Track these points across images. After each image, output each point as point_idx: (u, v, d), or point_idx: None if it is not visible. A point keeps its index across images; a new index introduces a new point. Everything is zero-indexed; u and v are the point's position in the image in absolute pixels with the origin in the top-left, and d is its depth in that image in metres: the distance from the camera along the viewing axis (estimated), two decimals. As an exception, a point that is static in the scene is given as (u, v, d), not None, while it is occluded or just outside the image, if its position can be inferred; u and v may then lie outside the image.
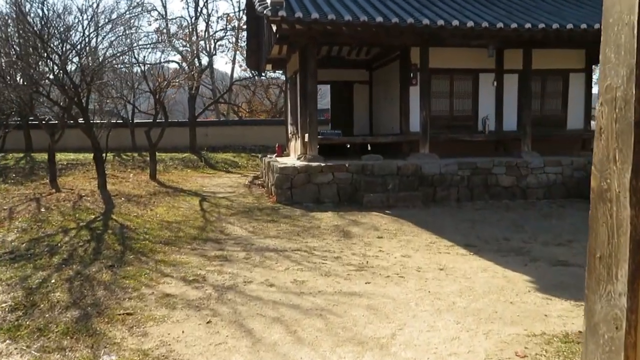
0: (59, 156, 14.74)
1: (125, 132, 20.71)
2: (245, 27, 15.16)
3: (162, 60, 18.11)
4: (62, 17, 12.29)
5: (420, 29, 10.63)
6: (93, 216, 8.71)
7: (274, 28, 10.39)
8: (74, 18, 24.84)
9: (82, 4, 16.36)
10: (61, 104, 11.49)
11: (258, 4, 10.29)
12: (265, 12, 9.77)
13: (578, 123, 14.12)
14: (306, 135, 11.87)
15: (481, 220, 8.94)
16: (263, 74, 25.27)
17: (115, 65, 12.84)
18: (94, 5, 19.50)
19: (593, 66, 14.16)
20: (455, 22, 10.49)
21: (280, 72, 17.40)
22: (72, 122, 12.07)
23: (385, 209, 9.65)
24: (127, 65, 14.93)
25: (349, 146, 14.82)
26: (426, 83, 11.84)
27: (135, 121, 22.10)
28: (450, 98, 13.47)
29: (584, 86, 14.07)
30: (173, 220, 8.87)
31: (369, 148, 15.82)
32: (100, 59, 11.36)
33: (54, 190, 10.78)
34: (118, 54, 11.95)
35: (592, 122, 15.18)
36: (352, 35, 11.06)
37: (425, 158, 11.60)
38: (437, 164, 10.97)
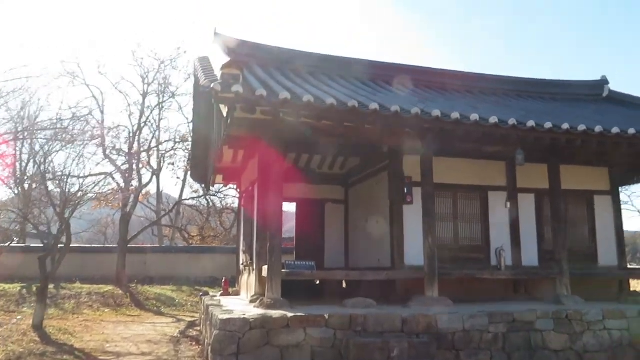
0: None
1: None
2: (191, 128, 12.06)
3: (90, 172, 14.73)
4: None
5: (427, 122, 7.75)
6: None
7: (225, 112, 7.24)
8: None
9: None
10: None
11: (204, 76, 7.24)
12: (213, 86, 6.67)
13: (611, 258, 11.14)
14: (264, 268, 8.23)
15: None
16: (212, 189, 22.01)
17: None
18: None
19: (620, 188, 11.61)
20: (475, 117, 7.70)
21: (235, 186, 14.11)
22: None
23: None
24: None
25: (317, 282, 11.13)
26: (430, 200, 8.72)
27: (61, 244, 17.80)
28: (455, 222, 10.35)
29: (612, 211, 11.35)
30: None
31: (344, 286, 12.17)
32: None
33: None
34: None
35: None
36: (334, 130, 8.05)
37: (437, 305, 8.03)
38: (457, 316, 7.38)
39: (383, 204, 10.42)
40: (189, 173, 12.75)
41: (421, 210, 8.82)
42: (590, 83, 12.63)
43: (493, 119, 7.79)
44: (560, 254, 9.14)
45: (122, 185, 18.28)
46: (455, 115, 7.63)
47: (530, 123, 7.96)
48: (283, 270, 7.89)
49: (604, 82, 12.64)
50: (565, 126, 8.13)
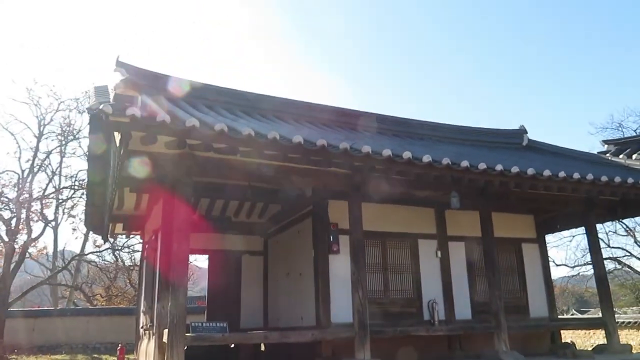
0: None
1: None
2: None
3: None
4: None
5: (357, 160, 6.94)
6: None
7: (118, 140, 5.98)
8: None
9: None
10: None
11: (95, 98, 5.98)
12: (102, 107, 5.44)
13: (541, 309, 10.73)
14: (165, 332, 6.76)
15: None
16: (118, 244, 19.83)
17: None
18: None
19: (545, 236, 11.41)
20: (408, 155, 7.01)
21: (138, 235, 12.42)
22: None
23: None
24: None
25: (233, 346, 9.67)
26: (360, 248, 7.80)
27: None
28: (385, 272, 9.48)
29: (540, 260, 11.08)
30: None
31: (263, 348, 10.78)
32: None
33: None
34: None
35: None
36: (249, 169, 7.02)
37: (370, 370, 6.94)
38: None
39: (306, 255, 9.37)
40: (84, 222, 10.97)
41: (349, 261, 7.87)
42: (510, 132, 12.73)
43: (427, 158, 7.15)
44: (497, 305, 8.48)
45: (6, 238, 15.76)
46: (387, 152, 6.90)
47: (465, 163, 7.42)
48: (187, 335, 6.48)
49: (522, 131, 12.78)
50: (499, 167, 7.69)
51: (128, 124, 5.59)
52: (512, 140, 12.50)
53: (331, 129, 9.80)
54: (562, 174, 8.15)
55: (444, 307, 9.62)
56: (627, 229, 18.65)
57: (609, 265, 20.19)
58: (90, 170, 7.63)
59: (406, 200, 9.68)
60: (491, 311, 8.61)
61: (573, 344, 10.83)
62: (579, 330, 19.15)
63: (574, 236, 23.80)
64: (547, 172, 8.04)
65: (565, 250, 58.79)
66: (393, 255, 9.61)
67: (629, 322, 19.78)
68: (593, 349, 9.68)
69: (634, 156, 11.17)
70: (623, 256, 18.22)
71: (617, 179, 8.62)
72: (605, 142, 12.28)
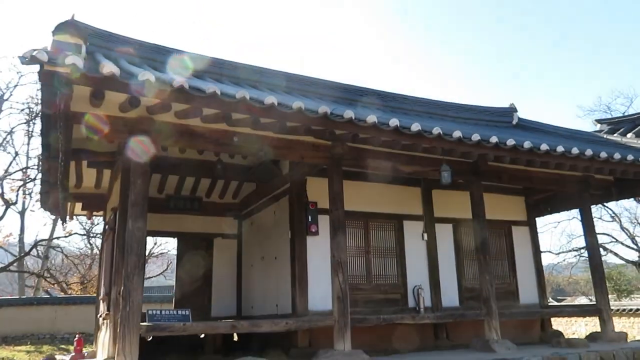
0: None
1: None
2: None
3: None
4: None
5: (339, 126, 6.15)
6: None
7: (58, 97, 5.08)
8: None
9: None
10: None
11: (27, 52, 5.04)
12: (35, 54, 4.54)
13: (532, 295, 10.16)
14: (119, 320, 5.92)
15: None
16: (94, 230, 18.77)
17: None
18: None
19: (536, 219, 10.81)
20: (395, 122, 6.25)
21: (101, 217, 11.46)
22: None
23: None
24: None
25: (203, 336, 8.88)
26: (341, 229, 7.03)
27: None
28: (367, 256, 8.76)
29: (531, 244, 10.49)
30: None
31: (235, 338, 10.03)
32: None
33: None
34: None
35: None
36: (215, 138, 6.20)
37: (350, 361, 6.22)
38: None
39: (283, 237, 8.60)
40: (40, 201, 10.03)
41: (328, 243, 7.11)
42: (500, 109, 12.06)
43: (416, 127, 6.41)
44: (488, 291, 7.84)
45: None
46: (372, 119, 6.13)
47: (457, 133, 6.70)
48: (143, 324, 5.66)
49: (512, 109, 12.14)
50: (494, 139, 6.99)
51: (67, 76, 4.71)
52: (502, 119, 11.84)
53: (310, 100, 8.99)
54: (560, 148, 7.50)
55: (431, 293, 8.97)
56: (613, 214, 18.27)
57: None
58: (43, 139, 6.72)
59: (391, 178, 8.95)
60: (481, 297, 7.97)
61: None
62: (560, 318, 18.87)
63: (559, 222, 23.54)
64: (544, 146, 7.37)
65: (550, 236, 58.95)
66: (376, 238, 8.90)
67: (617, 310, 19.61)
68: (587, 336, 9.15)
69: (628, 135, 10.63)
70: (609, 242, 17.85)
71: (617, 156, 8.02)
72: (598, 121, 11.73)
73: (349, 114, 5.98)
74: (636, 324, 20.45)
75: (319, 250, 8.00)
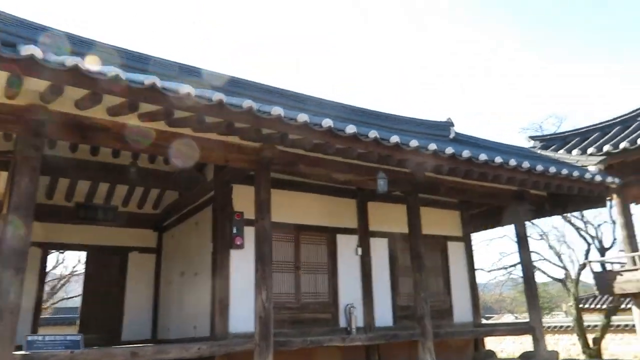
0: None
1: None
2: None
3: None
4: None
5: (266, 124, 5.47)
6: None
7: None
8: None
9: None
10: None
11: None
12: None
13: (466, 313, 9.85)
14: (-8, 350, 4.86)
15: None
16: None
17: None
18: None
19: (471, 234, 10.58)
20: (329, 123, 5.68)
21: None
22: None
23: None
24: None
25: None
26: (267, 242, 6.32)
27: None
28: (297, 272, 8.08)
29: (466, 261, 10.22)
30: None
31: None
32: None
33: None
34: None
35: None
36: (122, 133, 5.36)
37: (272, 391, 5.47)
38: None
39: (205, 250, 7.76)
40: None
41: (254, 257, 6.38)
42: (437, 123, 11.86)
43: (351, 129, 5.87)
44: (423, 309, 7.37)
45: None
46: (303, 117, 5.52)
47: (395, 138, 6.24)
48: (17, 353, 4.65)
49: (449, 123, 11.98)
50: (433, 146, 6.59)
51: None
52: (440, 132, 11.61)
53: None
54: (498, 159, 7.24)
55: (363, 312, 8.41)
56: (542, 233, 18.74)
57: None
58: None
59: (325, 188, 8.41)
60: (415, 316, 7.49)
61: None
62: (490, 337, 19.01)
63: (491, 239, 23.90)
64: (483, 156, 7.09)
65: (483, 254, 60.58)
66: (307, 252, 8.25)
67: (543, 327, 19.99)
68: (520, 356, 8.89)
69: (559, 151, 10.72)
70: (537, 260, 18.23)
71: (552, 169, 7.89)
72: (532, 138, 11.82)
73: (277, 110, 5.34)
74: (560, 341, 21.01)
75: (244, 265, 7.24)
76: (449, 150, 6.75)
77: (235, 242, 7.38)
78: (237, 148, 6.29)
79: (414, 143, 6.40)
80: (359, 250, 8.68)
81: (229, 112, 5.18)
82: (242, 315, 6.98)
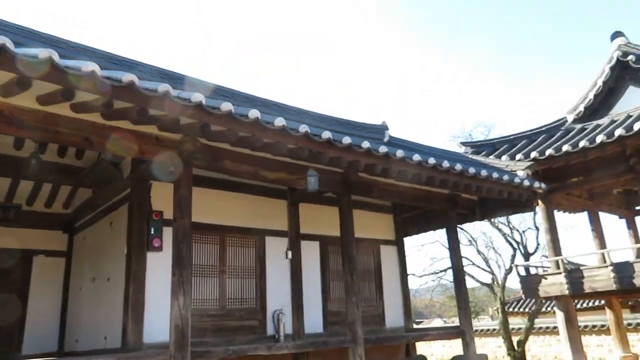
0: None
1: None
2: None
3: None
4: None
5: (187, 110, 4.94)
6: None
7: None
8: None
9: None
10: None
11: None
12: None
13: (398, 318, 9.70)
14: None
15: None
16: None
17: None
18: None
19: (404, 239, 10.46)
20: (256, 114, 5.24)
21: None
22: None
23: None
24: None
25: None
26: (185, 243, 5.76)
27: None
28: (222, 277, 7.53)
29: (398, 265, 10.08)
30: None
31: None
32: None
33: None
34: None
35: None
36: (14, 117, 4.66)
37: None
38: None
39: (119, 253, 7.04)
40: None
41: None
42: (372, 126, 11.74)
43: (280, 121, 5.47)
44: (354, 314, 7.07)
45: None
46: (227, 106, 5.05)
47: (327, 134, 5.91)
48: None
49: (384, 127, 11.90)
50: (366, 144, 6.33)
51: None
52: (374, 136, 11.46)
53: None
54: (432, 160, 7.10)
55: (293, 318, 7.99)
56: (471, 238, 19.18)
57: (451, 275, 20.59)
58: None
59: (254, 187, 7.96)
60: (346, 322, 7.18)
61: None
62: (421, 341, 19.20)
63: (423, 245, 24.26)
64: (417, 157, 6.92)
65: (414, 259, 61.83)
66: (234, 255, 7.73)
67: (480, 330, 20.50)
68: (451, 359, 8.83)
69: (489, 157, 10.87)
70: (467, 265, 18.62)
71: (484, 172, 7.89)
72: (463, 144, 11.95)
73: (197, 97, 4.83)
74: (487, 344, 21.62)
75: (162, 269, 6.60)
76: (383, 149, 6.52)
77: (152, 244, 6.75)
78: (155, 139, 5.71)
79: (346, 140, 6.10)
80: (290, 254, 8.27)
81: (141, 96, 4.61)
82: (159, 324, 6.35)
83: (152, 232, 6.78)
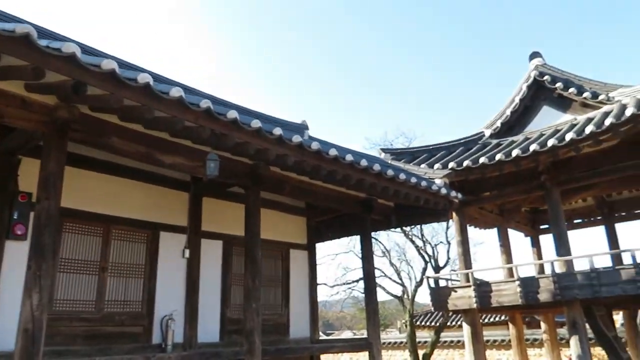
0: None
1: None
2: None
3: None
4: None
5: (53, 65, 3.99)
6: None
7: None
8: None
9: None
10: None
11: None
12: None
13: (303, 329, 9.04)
14: None
15: None
16: None
17: None
18: None
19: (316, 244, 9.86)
20: (146, 78, 4.38)
21: None
22: None
23: None
24: None
25: None
26: (49, 229, 4.72)
27: None
28: (102, 275, 6.48)
29: (308, 271, 9.46)
30: None
31: None
32: None
33: None
34: None
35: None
36: None
37: None
38: None
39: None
40: None
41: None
42: (292, 124, 11.14)
43: (177, 92, 4.64)
44: (253, 322, 6.31)
45: None
46: (109, 64, 4.14)
47: (233, 114, 5.15)
48: None
49: (304, 126, 11.36)
50: (278, 131, 5.66)
51: None
52: (295, 134, 10.88)
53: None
54: (349, 157, 6.57)
55: (185, 325, 7.08)
56: (385, 249, 19.09)
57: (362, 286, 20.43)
58: None
59: (151, 175, 7.02)
60: (244, 330, 6.40)
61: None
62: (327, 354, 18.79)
63: (337, 254, 23.94)
64: (333, 151, 6.35)
65: (327, 268, 61.73)
66: (119, 251, 6.70)
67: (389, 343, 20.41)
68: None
69: (409, 165, 10.63)
70: (379, 276, 18.46)
71: (402, 176, 7.50)
72: (383, 150, 11.67)
73: (70, 47, 3.91)
74: (393, 357, 21.60)
75: (24, 263, 5.48)
76: (297, 138, 5.90)
77: (14, 230, 5.63)
78: (21, 101, 4.67)
79: (256, 123, 5.39)
80: (187, 252, 7.37)
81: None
82: (15, 329, 5.23)
83: (16, 217, 5.67)
